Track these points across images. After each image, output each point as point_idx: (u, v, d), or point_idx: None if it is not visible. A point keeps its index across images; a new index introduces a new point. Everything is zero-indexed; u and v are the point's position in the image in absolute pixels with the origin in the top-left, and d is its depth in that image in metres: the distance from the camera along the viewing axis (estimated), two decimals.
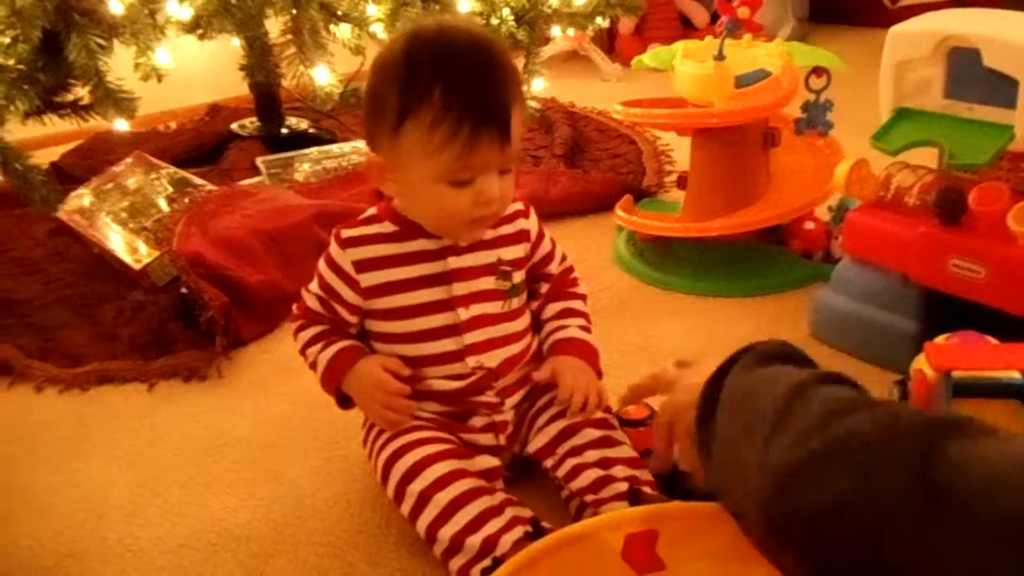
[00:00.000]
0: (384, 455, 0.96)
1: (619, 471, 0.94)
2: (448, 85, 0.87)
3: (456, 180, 0.90)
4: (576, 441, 0.97)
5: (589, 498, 0.94)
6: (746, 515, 0.69)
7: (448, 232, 0.97)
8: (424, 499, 0.91)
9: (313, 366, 1.01)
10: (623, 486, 0.92)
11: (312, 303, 1.01)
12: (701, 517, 0.80)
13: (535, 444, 1.00)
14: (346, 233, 0.99)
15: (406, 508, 0.93)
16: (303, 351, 1.02)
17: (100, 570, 0.98)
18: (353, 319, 1.00)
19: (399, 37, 0.93)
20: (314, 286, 1.01)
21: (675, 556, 0.78)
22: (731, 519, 0.76)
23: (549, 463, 0.99)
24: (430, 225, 0.97)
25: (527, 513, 0.92)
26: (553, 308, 1.07)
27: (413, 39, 0.91)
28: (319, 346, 1.00)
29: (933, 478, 0.52)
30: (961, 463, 0.52)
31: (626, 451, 0.97)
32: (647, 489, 0.93)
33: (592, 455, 0.96)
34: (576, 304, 1.08)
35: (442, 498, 0.90)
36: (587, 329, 1.06)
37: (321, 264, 1.00)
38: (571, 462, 0.96)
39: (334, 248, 0.99)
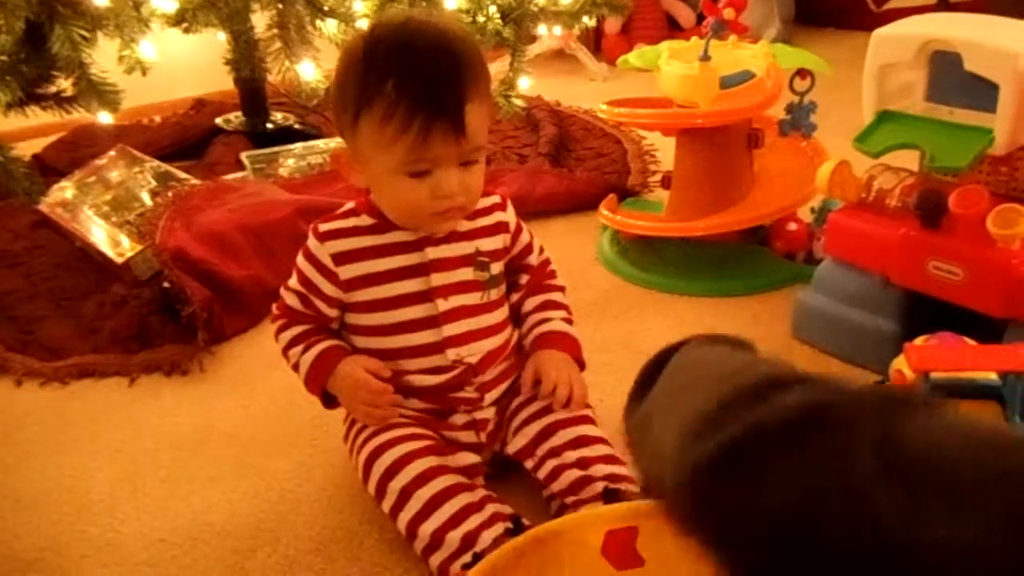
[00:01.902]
0: (365, 452, 0.96)
1: (597, 470, 0.94)
2: (401, 77, 0.87)
3: (413, 172, 0.91)
4: (555, 442, 0.98)
5: (569, 500, 0.94)
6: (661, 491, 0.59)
7: (414, 224, 0.97)
8: (405, 495, 0.91)
9: (296, 367, 1.01)
10: (601, 485, 0.93)
11: (291, 300, 1.01)
12: None
13: (515, 445, 1.01)
14: (324, 227, 0.99)
15: (387, 504, 0.93)
16: (285, 352, 1.02)
17: (80, 564, 0.97)
18: (333, 313, 1.00)
19: (365, 29, 0.94)
20: (293, 282, 1.01)
21: (654, 553, 0.78)
22: None
23: (529, 464, 0.99)
24: (396, 217, 0.97)
25: (508, 510, 0.93)
26: (533, 301, 1.07)
27: (375, 31, 0.92)
28: (300, 348, 1.00)
29: (890, 453, 0.47)
30: (913, 439, 0.47)
31: (604, 448, 0.97)
32: (625, 486, 0.93)
33: (571, 456, 0.96)
34: (556, 296, 1.09)
35: (423, 494, 0.90)
36: (569, 321, 1.07)
37: (300, 259, 1.00)
38: (550, 464, 0.97)
39: (312, 242, 0.99)
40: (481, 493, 0.93)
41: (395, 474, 0.92)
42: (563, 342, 1.04)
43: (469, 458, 0.98)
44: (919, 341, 1.05)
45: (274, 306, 1.04)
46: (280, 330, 1.02)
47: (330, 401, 1.01)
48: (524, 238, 1.07)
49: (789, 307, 1.34)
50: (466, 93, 0.89)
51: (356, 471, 0.98)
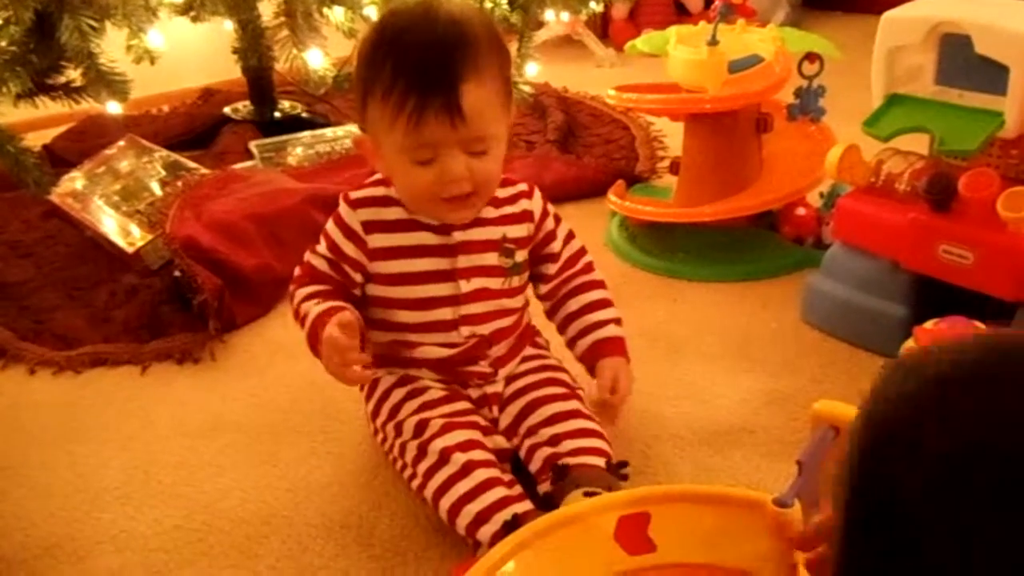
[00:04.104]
0: (412, 420, 0.97)
1: (564, 446, 0.95)
2: (398, 58, 0.88)
3: (417, 159, 0.91)
4: (532, 421, 0.99)
5: (542, 480, 0.96)
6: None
7: (427, 213, 0.97)
8: (443, 458, 0.92)
9: (302, 321, 0.98)
10: (571, 460, 0.94)
11: (318, 262, 1.01)
12: (692, 500, 0.81)
13: (502, 422, 1.02)
14: (355, 195, 1.00)
15: (424, 466, 0.93)
16: (297, 308, 1.00)
17: (94, 551, 0.98)
18: (358, 277, 1.00)
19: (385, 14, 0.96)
20: (321, 247, 1.01)
21: (666, 538, 0.79)
22: (720, 502, 0.77)
23: (515, 442, 1.00)
24: (408, 204, 0.97)
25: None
26: (579, 301, 1.07)
27: (388, 16, 0.94)
28: (313, 302, 0.98)
29: None
30: None
31: (578, 423, 0.98)
32: (585, 459, 0.93)
33: (544, 433, 0.98)
34: (601, 294, 1.08)
35: (459, 458, 0.92)
36: (619, 322, 1.07)
37: (329, 225, 1.01)
38: (527, 443, 0.99)
39: (343, 208, 1.00)
40: (509, 477, 0.95)
41: (436, 438, 0.93)
42: (624, 349, 1.05)
43: (500, 442, 0.99)
44: (929, 325, 1.05)
45: (296, 269, 1.03)
46: (298, 287, 1.01)
47: None
48: (548, 225, 1.06)
49: (798, 292, 1.34)
50: (462, 74, 0.88)
51: (378, 441, 1.00)
